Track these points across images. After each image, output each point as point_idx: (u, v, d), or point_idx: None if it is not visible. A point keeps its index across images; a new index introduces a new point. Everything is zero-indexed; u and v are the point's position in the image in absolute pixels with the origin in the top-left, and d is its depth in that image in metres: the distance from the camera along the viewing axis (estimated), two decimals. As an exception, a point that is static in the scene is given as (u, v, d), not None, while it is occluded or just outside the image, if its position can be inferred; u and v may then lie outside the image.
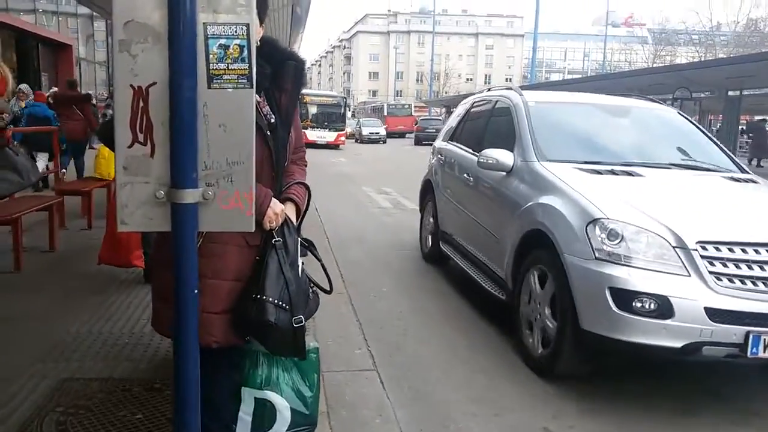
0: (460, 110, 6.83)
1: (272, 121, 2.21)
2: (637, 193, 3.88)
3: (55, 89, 12.53)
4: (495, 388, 3.64)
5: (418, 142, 38.11)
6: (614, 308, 3.21)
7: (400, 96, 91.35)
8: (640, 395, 3.60)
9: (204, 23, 1.54)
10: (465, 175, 5.50)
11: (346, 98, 37.25)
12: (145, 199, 1.59)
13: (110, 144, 1.71)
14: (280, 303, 2.12)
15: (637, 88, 30.77)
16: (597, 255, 3.36)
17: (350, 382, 3.47)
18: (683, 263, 3.22)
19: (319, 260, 2.41)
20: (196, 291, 1.63)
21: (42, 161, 9.44)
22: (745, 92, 26.41)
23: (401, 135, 46.36)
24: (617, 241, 3.34)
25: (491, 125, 5.71)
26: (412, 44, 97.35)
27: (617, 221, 3.39)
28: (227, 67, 1.57)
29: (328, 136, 30.83)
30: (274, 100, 2.22)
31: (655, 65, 53.22)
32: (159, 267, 2.20)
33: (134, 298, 4.62)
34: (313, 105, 32.35)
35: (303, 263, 2.32)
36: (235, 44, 1.56)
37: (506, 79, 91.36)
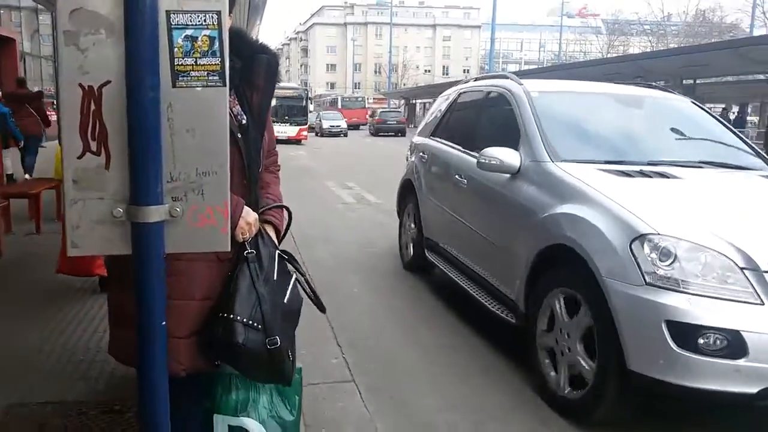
0: (441, 102, 6.15)
1: (243, 122, 1.98)
2: (681, 200, 3.30)
3: None
4: (478, 393, 3.48)
5: (375, 133, 40.30)
6: (673, 346, 2.63)
7: (359, 88, 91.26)
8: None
9: (167, 11, 1.32)
10: (457, 176, 4.82)
11: (307, 90, 34.57)
12: (99, 218, 1.36)
13: None
14: (251, 322, 1.89)
15: (594, 77, 31.25)
16: (647, 279, 2.75)
17: (328, 396, 3.27)
18: (754, 288, 2.63)
19: (302, 275, 2.19)
20: (164, 323, 1.41)
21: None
22: (698, 81, 27.04)
23: (356, 126, 47.15)
24: (669, 261, 2.74)
25: (484, 119, 5.07)
26: (370, 36, 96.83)
27: (668, 236, 2.78)
28: (195, 62, 1.36)
29: (290, 130, 29.08)
30: (246, 99, 1.99)
31: (609, 55, 54.19)
32: (116, 286, 1.95)
33: (90, 308, 4.31)
34: (273, 98, 31.65)
35: (296, 278, 2.12)
36: (205, 35, 1.35)
37: (464, 70, 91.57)
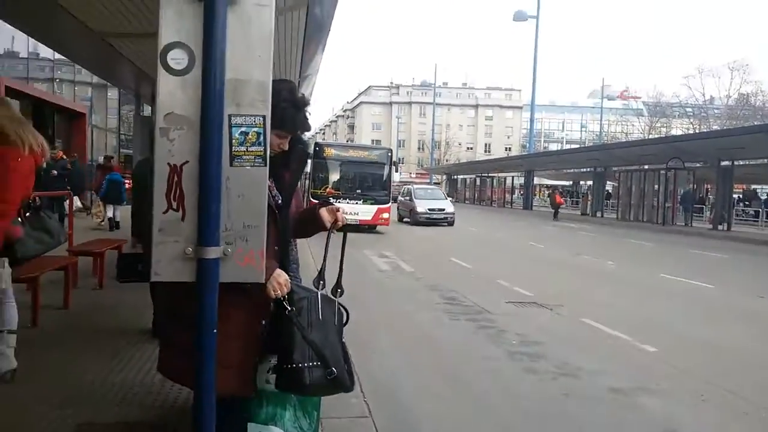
0: None
1: (279, 201, 2.57)
2: None
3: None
4: None
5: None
6: None
7: (402, 163, 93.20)
8: None
9: (229, 114, 1.95)
10: None
11: (391, 152, 22.56)
12: (176, 255, 1.95)
13: None
14: (310, 364, 2.39)
15: (633, 158, 31.77)
16: None
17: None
18: None
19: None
20: (215, 330, 1.97)
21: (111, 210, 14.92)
22: (737, 162, 27.15)
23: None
24: None
25: None
26: (414, 114, 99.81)
27: None
28: (246, 149, 1.97)
29: (363, 211, 19.33)
30: (281, 179, 2.58)
31: (650, 136, 54.59)
32: (177, 322, 2.47)
33: (144, 352, 4.90)
34: (338, 162, 20.82)
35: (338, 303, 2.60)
36: (254, 131, 1.96)
37: (506, 148, 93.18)
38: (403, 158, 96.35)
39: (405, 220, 26.51)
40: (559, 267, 13.43)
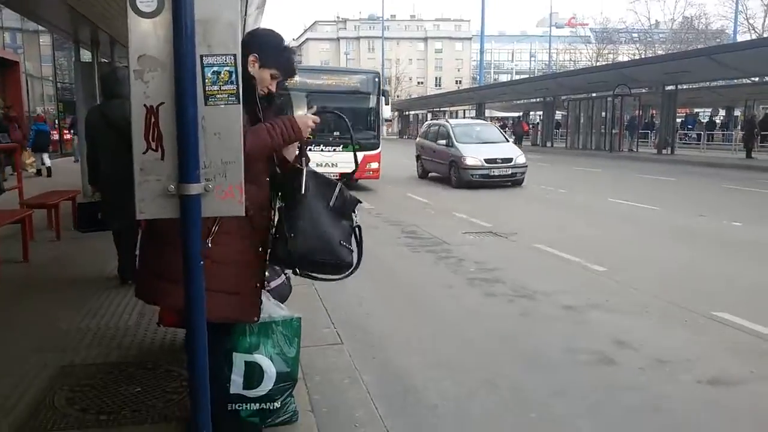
0: None
1: None
2: None
3: None
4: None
5: None
6: None
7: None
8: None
9: (201, 55, 1.99)
10: None
11: (378, 77, 15.49)
12: (159, 192, 2.03)
13: None
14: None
15: (581, 86, 32.24)
16: None
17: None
18: None
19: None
20: (201, 263, 2.08)
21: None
22: (681, 86, 27.85)
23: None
24: None
25: None
26: (363, 50, 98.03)
27: None
28: (219, 88, 2.03)
29: (343, 161, 12.78)
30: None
31: (598, 63, 55.18)
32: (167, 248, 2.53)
33: (114, 297, 4.97)
34: (306, 93, 13.87)
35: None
36: (225, 70, 2.02)
37: (456, 81, 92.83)
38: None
39: (432, 175, 17.33)
40: (512, 196, 13.81)
